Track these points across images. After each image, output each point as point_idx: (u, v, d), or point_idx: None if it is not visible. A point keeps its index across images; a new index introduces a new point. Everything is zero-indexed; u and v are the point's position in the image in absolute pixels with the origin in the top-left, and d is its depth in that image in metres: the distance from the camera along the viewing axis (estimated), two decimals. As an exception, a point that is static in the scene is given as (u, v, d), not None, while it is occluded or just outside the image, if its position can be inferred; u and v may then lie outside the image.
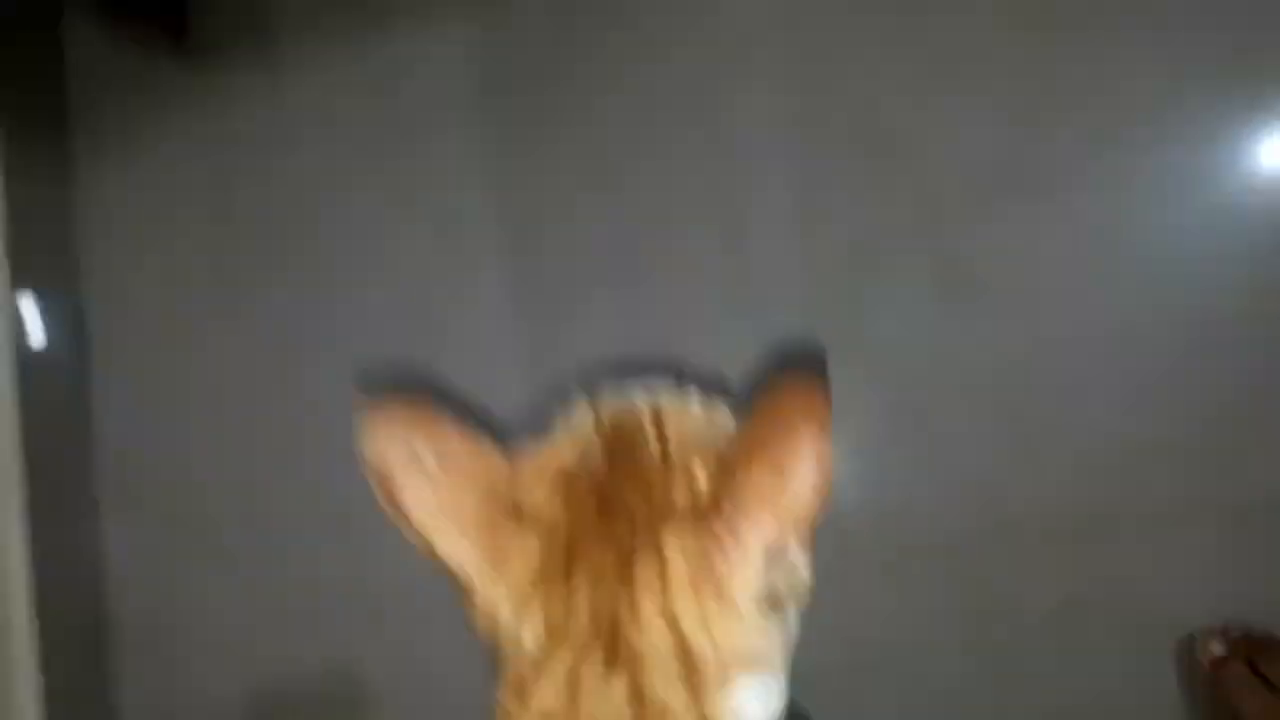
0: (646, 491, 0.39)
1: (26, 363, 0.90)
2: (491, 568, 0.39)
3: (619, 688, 0.36)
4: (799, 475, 0.36)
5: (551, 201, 0.87)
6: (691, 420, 0.41)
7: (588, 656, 0.37)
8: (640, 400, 0.43)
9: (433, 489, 0.39)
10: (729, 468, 0.37)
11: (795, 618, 0.41)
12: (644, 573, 0.37)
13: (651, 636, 0.37)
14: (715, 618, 0.37)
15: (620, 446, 0.40)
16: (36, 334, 0.93)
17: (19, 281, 0.91)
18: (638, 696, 0.36)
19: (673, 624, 0.37)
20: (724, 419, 0.42)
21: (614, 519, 0.38)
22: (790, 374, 0.37)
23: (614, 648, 0.37)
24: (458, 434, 0.40)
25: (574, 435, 0.42)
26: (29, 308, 0.93)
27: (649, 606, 0.37)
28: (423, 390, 0.39)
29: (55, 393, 0.94)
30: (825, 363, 0.48)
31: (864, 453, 0.78)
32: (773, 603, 0.39)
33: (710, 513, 0.37)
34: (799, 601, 0.41)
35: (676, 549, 0.37)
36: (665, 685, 0.36)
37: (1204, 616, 0.71)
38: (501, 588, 0.38)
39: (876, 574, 0.78)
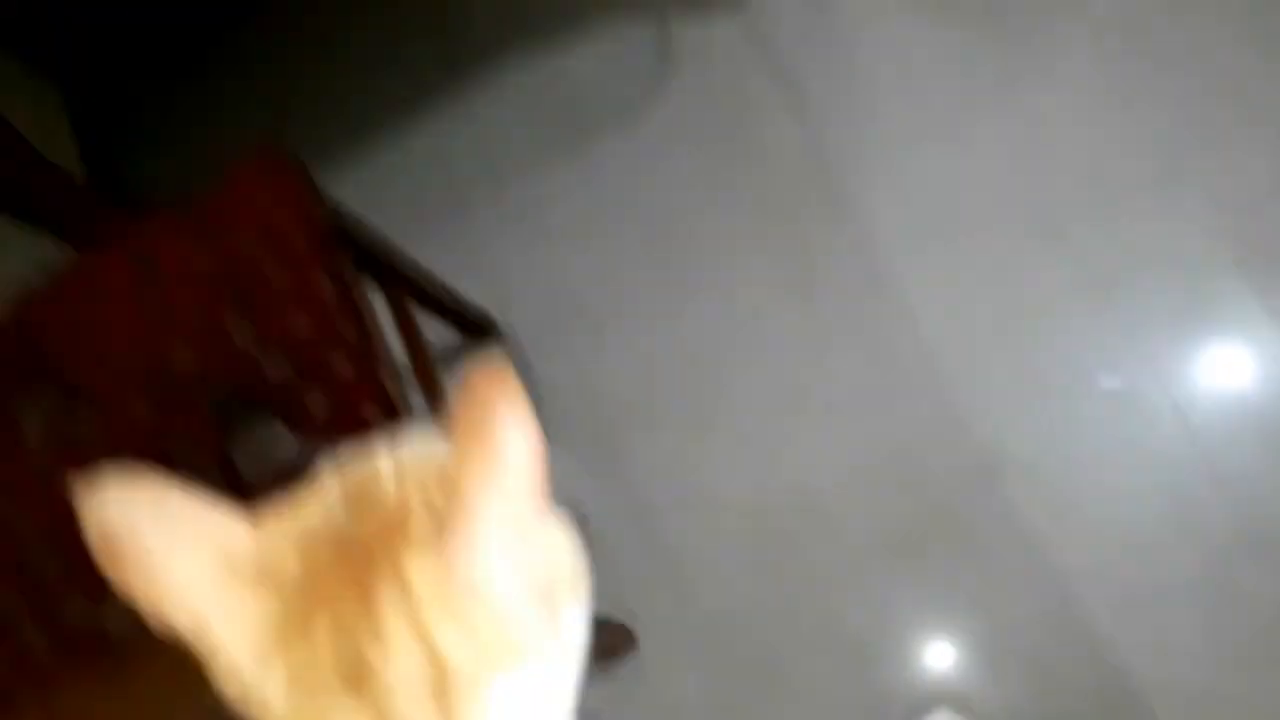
0: (385, 533, 0.37)
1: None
2: (230, 631, 0.37)
3: None
4: (509, 443, 0.35)
5: None
6: (433, 455, 0.40)
7: (334, 701, 0.36)
8: (382, 453, 0.41)
9: (159, 555, 0.37)
10: (452, 473, 0.37)
11: (574, 598, 0.41)
12: (387, 598, 0.36)
13: (400, 662, 0.36)
14: (468, 618, 0.36)
15: (359, 498, 0.39)
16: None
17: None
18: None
19: (424, 637, 0.36)
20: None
21: (352, 563, 0.37)
22: (474, 367, 0.37)
23: (359, 685, 0.36)
24: (184, 500, 0.38)
25: (317, 496, 0.40)
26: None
27: (396, 627, 0.36)
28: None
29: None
30: (503, 340, 0.45)
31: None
32: (538, 591, 0.38)
33: (447, 525, 0.36)
34: (572, 582, 0.40)
35: (418, 569, 0.36)
36: (414, 708, 0.35)
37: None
38: (242, 649, 0.37)
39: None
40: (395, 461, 0.40)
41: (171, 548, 0.37)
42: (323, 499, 0.40)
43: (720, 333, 1.19)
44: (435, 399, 0.94)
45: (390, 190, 1.28)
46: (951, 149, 1.17)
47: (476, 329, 1.17)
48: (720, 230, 1.22)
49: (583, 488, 1.12)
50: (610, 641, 1.09)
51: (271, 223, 0.79)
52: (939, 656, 1.09)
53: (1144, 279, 1.09)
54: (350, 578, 0.37)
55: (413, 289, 0.99)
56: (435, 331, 1.11)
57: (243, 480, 0.74)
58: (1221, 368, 1.08)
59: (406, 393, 0.79)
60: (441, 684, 0.35)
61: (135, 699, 0.76)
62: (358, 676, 0.36)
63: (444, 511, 0.37)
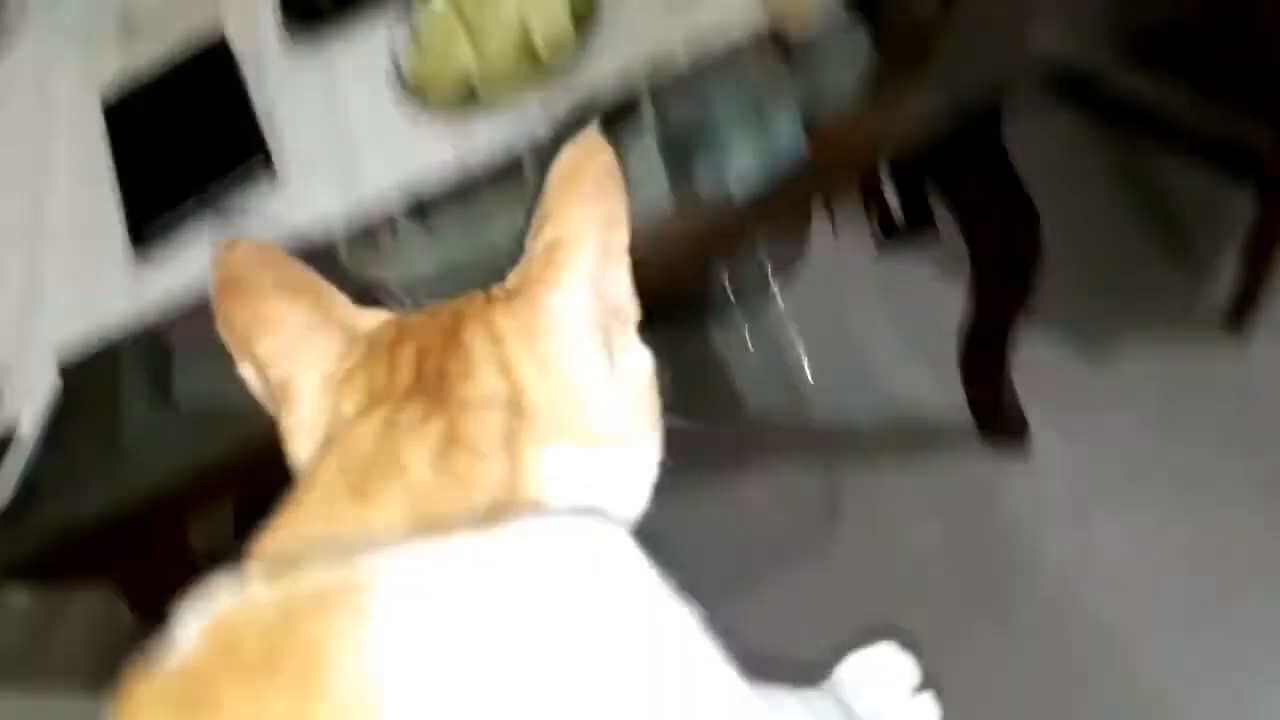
0: (476, 302, 0.39)
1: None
2: (311, 359, 0.38)
3: (435, 429, 0.34)
4: (597, 200, 0.37)
5: None
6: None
7: (407, 405, 0.36)
8: None
9: (267, 291, 0.39)
10: (541, 224, 0.38)
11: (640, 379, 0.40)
12: (474, 334, 0.37)
13: (480, 380, 0.36)
14: (552, 361, 0.36)
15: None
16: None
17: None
18: (451, 438, 0.34)
19: (506, 369, 0.36)
20: None
21: (443, 321, 0.39)
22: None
23: (439, 395, 0.36)
24: (305, 271, 0.41)
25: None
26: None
27: (482, 354, 0.36)
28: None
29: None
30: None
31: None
32: (607, 344, 0.38)
33: (533, 278, 0.37)
34: (628, 347, 0.40)
35: (505, 316, 0.38)
36: (483, 432, 0.35)
37: None
38: (316, 378, 0.38)
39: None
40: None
41: (280, 289, 0.39)
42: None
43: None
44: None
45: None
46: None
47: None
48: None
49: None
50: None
51: None
52: None
53: None
54: (440, 327, 0.38)
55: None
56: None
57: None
58: None
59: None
60: (515, 423, 0.35)
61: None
62: (437, 386, 0.36)
63: (531, 266, 0.38)
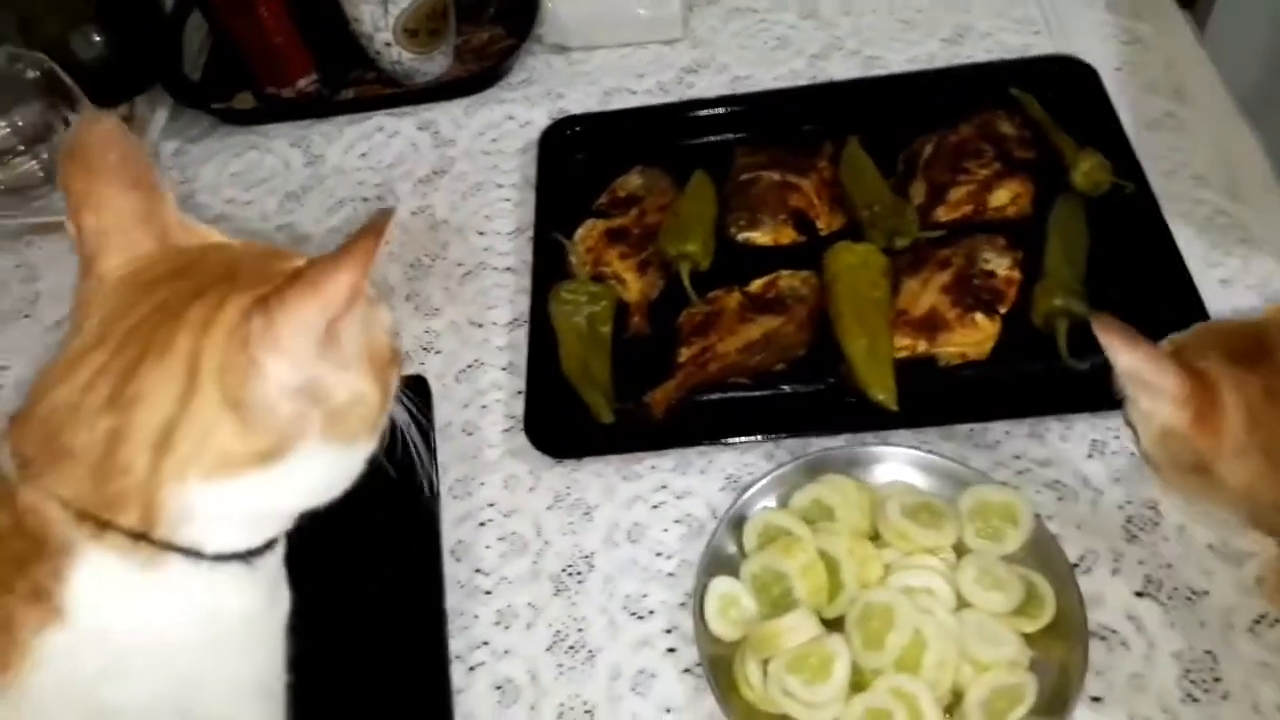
0: (228, 276, 0.40)
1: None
2: (119, 253, 0.40)
3: (104, 427, 0.36)
4: (338, 282, 0.36)
5: None
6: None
7: (101, 379, 0.37)
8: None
9: (102, 181, 0.41)
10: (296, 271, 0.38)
11: (345, 433, 0.40)
12: (196, 311, 0.37)
13: (162, 375, 0.36)
14: (239, 381, 0.36)
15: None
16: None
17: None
18: (111, 448, 0.35)
19: (192, 366, 0.36)
20: None
21: (214, 270, 0.40)
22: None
23: (128, 378, 0.36)
24: (148, 164, 0.43)
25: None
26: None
27: (181, 340, 0.37)
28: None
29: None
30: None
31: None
32: (310, 396, 0.38)
33: (267, 303, 0.37)
34: (356, 416, 0.40)
35: (234, 304, 0.37)
36: (140, 439, 0.35)
37: None
38: (115, 269, 0.40)
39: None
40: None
41: (119, 174, 0.41)
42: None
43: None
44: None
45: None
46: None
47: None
48: None
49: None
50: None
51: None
52: None
53: None
54: (191, 290, 0.39)
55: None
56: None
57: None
58: None
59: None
60: (175, 421, 0.36)
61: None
62: (133, 366, 0.37)
63: (272, 293, 0.37)
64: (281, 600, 0.43)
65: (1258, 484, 0.43)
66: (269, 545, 0.41)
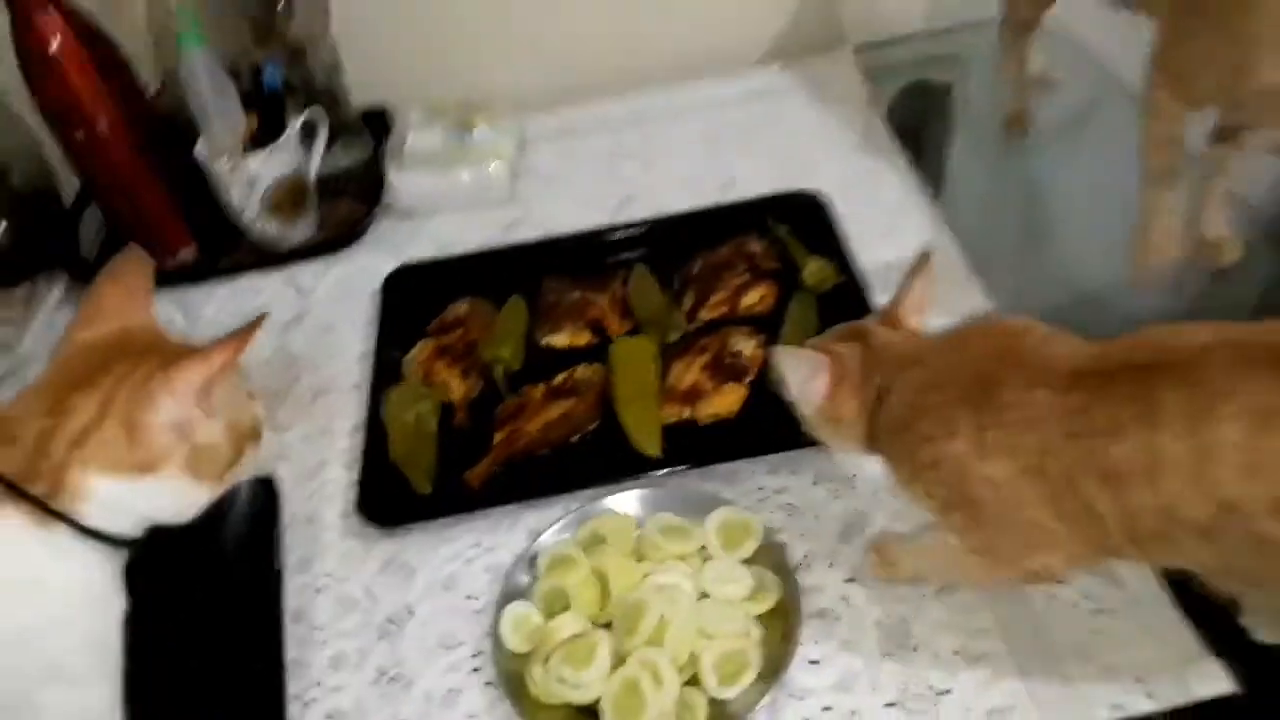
0: (149, 355, 0.56)
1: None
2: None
3: (41, 424, 0.51)
4: (213, 358, 0.55)
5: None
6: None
7: (55, 392, 0.54)
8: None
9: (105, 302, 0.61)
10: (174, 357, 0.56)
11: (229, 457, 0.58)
12: (120, 367, 0.54)
13: (88, 401, 0.52)
14: (139, 414, 0.53)
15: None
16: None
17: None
18: (47, 434, 0.51)
19: (108, 399, 0.53)
20: None
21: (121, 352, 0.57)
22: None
23: (68, 397, 0.53)
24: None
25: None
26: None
27: (105, 383, 0.53)
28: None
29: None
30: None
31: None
32: (181, 433, 0.54)
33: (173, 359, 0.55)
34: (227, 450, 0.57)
35: (146, 366, 0.55)
36: (62, 437, 0.51)
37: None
38: None
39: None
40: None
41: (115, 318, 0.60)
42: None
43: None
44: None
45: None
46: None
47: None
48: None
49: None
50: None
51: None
52: None
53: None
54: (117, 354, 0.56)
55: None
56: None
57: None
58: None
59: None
60: (89, 430, 0.51)
61: None
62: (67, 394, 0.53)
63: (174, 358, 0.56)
64: (121, 597, 0.54)
65: (855, 415, 0.60)
66: (125, 545, 0.53)
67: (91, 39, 0.95)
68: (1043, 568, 0.55)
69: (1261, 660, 0.61)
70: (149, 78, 1.08)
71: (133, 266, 0.63)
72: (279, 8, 1.08)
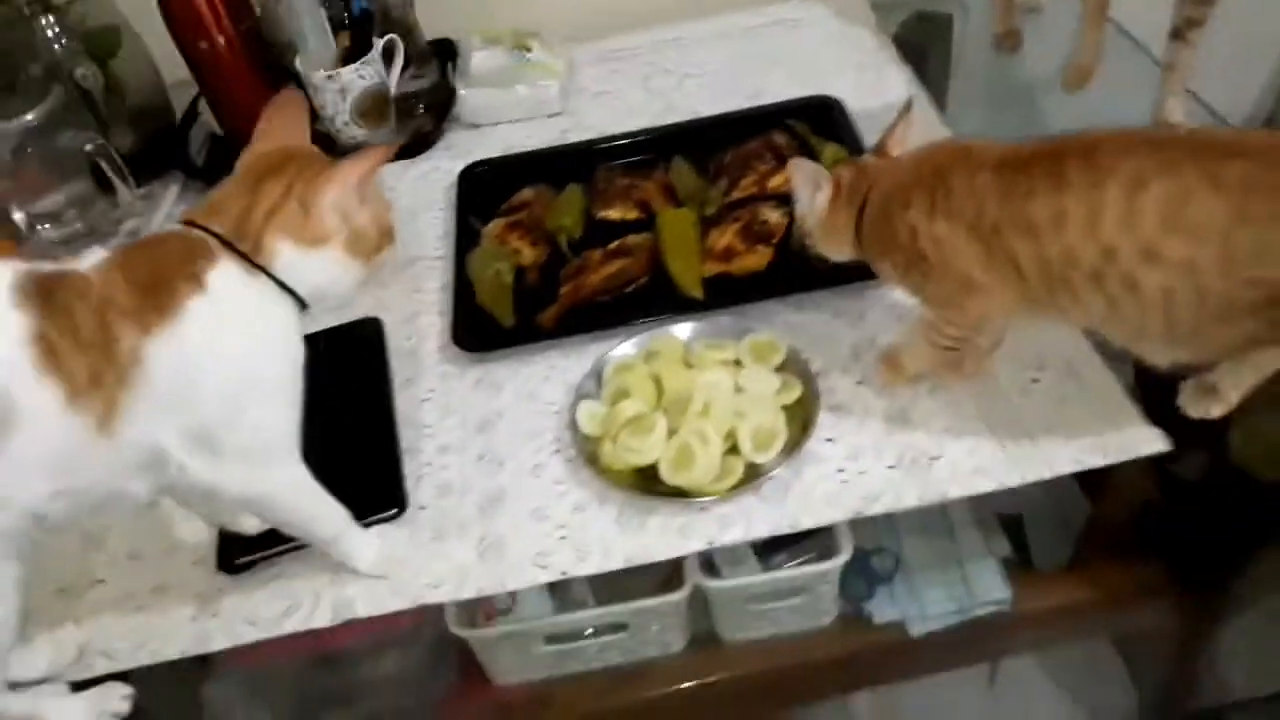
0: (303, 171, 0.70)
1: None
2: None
3: (243, 201, 0.67)
4: (362, 162, 0.69)
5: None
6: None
7: (250, 181, 0.69)
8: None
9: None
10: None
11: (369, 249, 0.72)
12: (293, 166, 0.69)
13: (274, 186, 0.68)
14: (309, 206, 0.68)
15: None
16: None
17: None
18: (248, 207, 0.67)
19: (289, 185, 0.68)
20: None
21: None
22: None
23: (260, 183, 0.68)
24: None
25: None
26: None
27: (285, 174, 0.69)
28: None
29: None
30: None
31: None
32: (342, 214, 0.69)
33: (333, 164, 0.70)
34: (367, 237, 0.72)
35: (310, 166, 0.70)
36: (259, 210, 0.67)
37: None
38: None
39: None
40: None
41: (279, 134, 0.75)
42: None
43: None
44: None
45: None
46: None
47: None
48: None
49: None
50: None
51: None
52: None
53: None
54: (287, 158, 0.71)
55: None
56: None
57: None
58: None
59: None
60: (277, 206, 0.67)
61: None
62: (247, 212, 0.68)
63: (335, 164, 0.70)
64: (303, 347, 0.70)
65: (848, 222, 0.76)
66: (304, 307, 0.70)
67: (213, -35, 1.12)
68: (979, 319, 0.73)
69: (1186, 424, 0.77)
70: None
71: (292, 102, 0.79)
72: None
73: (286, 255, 0.67)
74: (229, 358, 0.64)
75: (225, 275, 0.65)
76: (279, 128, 0.75)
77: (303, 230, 0.68)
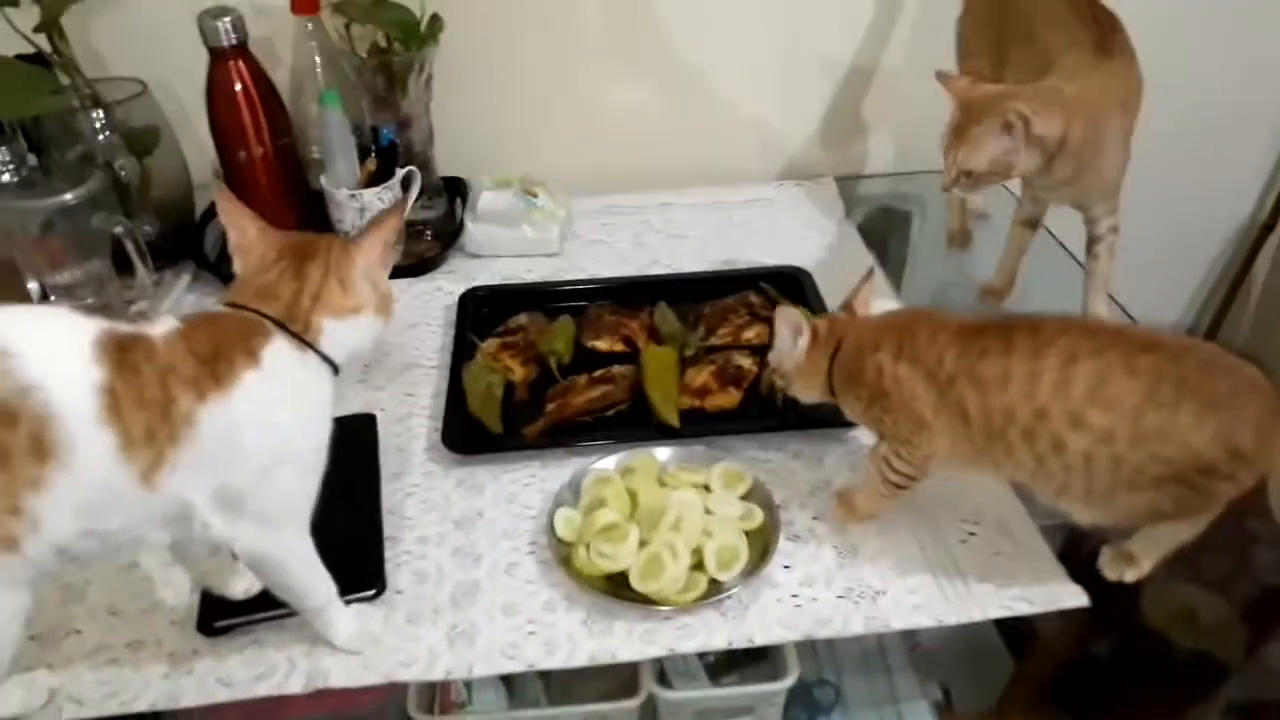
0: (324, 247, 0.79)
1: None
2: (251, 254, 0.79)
3: (292, 286, 0.75)
4: (386, 230, 0.79)
5: None
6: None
7: (289, 266, 0.76)
8: None
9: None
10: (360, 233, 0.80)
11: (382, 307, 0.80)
12: (321, 244, 0.78)
13: (314, 269, 0.76)
14: (346, 277, 0.77)
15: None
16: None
17: None
18: (297, 292, 0.74)
19: (325, 265, 0.76)
20: None
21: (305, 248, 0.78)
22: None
23: (301, 268, 0.76)
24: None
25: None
26: None
27: (320, 256, 0.77)
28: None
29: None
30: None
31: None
32: (371, 282, 0.78)
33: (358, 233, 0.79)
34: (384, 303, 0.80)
35: (339, 242, 0.78)
36: (307, 293, 0.75)
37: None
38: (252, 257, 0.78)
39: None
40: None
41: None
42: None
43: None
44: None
45: None
46: None
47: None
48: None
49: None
50: None
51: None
52: None
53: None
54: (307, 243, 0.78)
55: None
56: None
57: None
58: None
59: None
60: (320, 288, 0.75)
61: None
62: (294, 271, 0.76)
63: (358, 233, 0.80)
64: (331, 422, 0.76)
65: (821, 366, 0.87)
66: (337, 371, 0.76)
67: (263, 85, 1.24)
68: (924, 459, 0.83)
69: (1105, 586, 0.86)
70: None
71: (227, 196, 0.82)
72: (397, 92, 1.39)
73: (329, 330, 0.75)
74: (272, 428, 0.70)
75: (277, 352, 0.71)
76: (245, 214, 0.80)
77: (343, 304, 0.76)
